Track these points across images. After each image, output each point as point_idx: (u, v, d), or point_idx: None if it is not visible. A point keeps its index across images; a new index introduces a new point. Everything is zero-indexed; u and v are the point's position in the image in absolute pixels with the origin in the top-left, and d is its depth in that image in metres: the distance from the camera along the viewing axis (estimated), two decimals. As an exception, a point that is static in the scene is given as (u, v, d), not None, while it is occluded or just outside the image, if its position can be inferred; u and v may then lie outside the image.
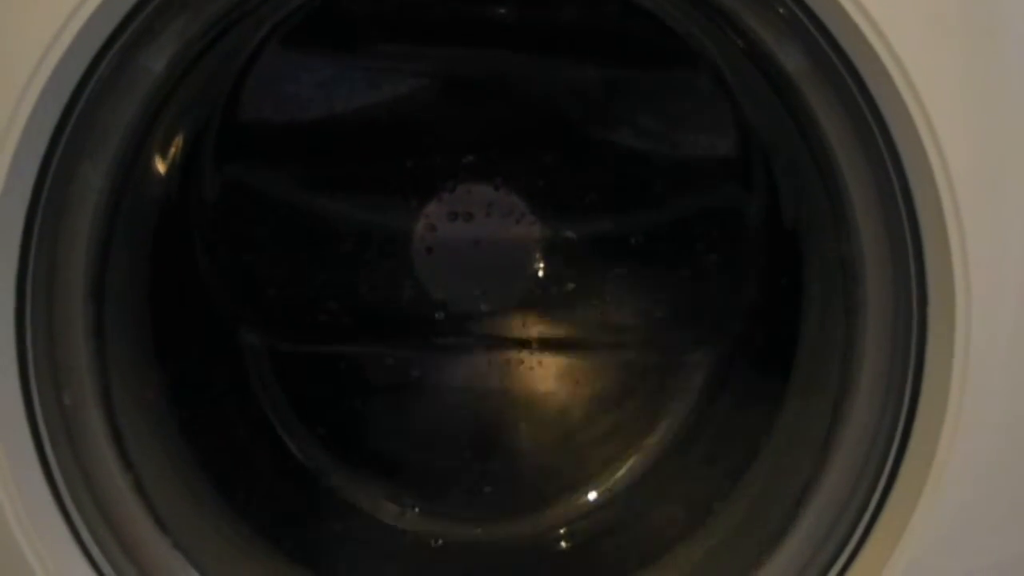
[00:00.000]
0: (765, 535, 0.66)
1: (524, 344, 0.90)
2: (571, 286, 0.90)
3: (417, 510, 0.87)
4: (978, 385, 0.58)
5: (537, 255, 0.89)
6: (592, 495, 0.88)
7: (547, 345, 0.91)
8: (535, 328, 0.90)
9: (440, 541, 0.85)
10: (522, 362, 0.91)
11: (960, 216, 0.57)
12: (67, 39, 0.55)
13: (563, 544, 0.86)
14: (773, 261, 0.83)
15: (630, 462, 0.88)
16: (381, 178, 0.89)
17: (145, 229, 0.73)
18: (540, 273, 0.90)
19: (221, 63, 0.79)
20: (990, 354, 0.58)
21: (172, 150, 0.77)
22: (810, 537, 0.64)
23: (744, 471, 0.74)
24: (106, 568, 0.63)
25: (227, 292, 0.88)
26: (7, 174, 0.56)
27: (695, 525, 0.74)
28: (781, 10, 0.59)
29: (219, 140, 0.85)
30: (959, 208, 0.57)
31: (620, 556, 0.79)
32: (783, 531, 0.65)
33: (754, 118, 0.81)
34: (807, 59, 0.60)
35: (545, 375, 0.91)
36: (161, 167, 0.75)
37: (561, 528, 0.86)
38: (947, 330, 0.58)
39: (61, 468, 0.62)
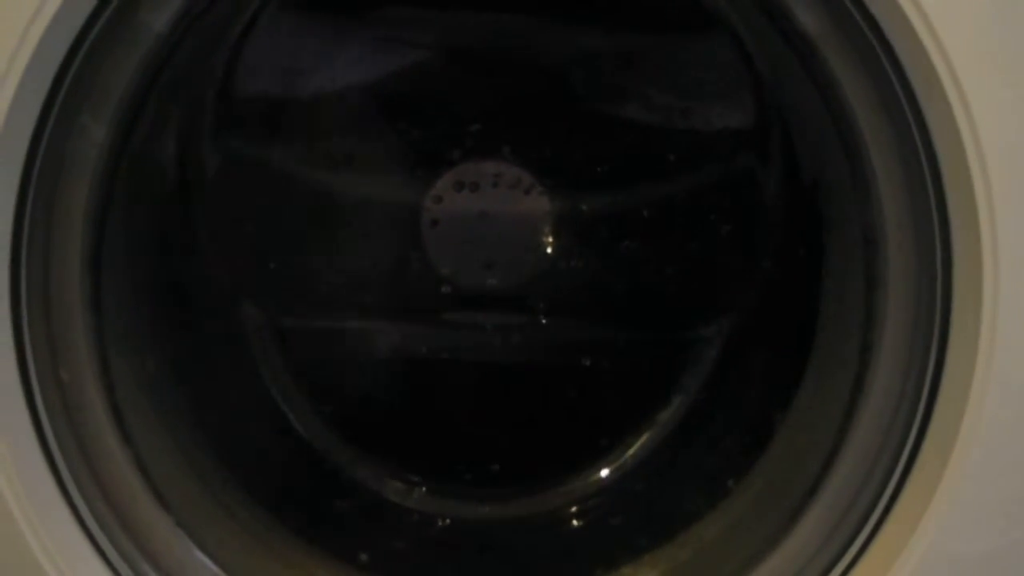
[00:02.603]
0: (781, 514, 0.65)
1: (533, 318, 0.89)
2: (581, 259, 0.88)
3: (424, 488, 0.86)
4: (1005, 357, 0.56)
5: (546, 227, 0.88)
6: (604, 472, 0.87)
7: (556, 319, 0.89)
8: (544, 302, 0.89)
9: (448, 520, 0.85)
10: (531, 337, 0.89)
11: (989, 181, 0.55)
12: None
13: (574, 522, 0.85)
14: (790, 232, 0.82)
15: (643, 438, 0.86)
16: (385, 148, 0.87)
17: (144, 198, 0.72)
18: (549, 246, 0.88)
19: (220, 27, 0.78)
20: (1018, 325, 0.56)
21: (172, 118, 0.76)
22: (828, 516, 0.63)
23: (761, 448, 0.73)
24: (106, 546, 0.62)
25: (229, 265, 0.87)
26: (2, 126, 0.55)
27: (710, 503, 0.73)
28: (799, -36, 0.57)
29: (219, 109, 0.84)
30: (988, 173, 0.55)
31: (633, 534, 0.77)
32: (800, 511, 0.64)
33: (772, 83, 0.80)
34: (827, 18, 0.58)
35: (554, 350, 0.90)
36: (161, 133, 0.74)
37: (572, 506, 0.85)
38: (973, 300, 0.56)
39: (59, 444, 0.61)
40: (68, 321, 0.62)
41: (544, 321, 0.89)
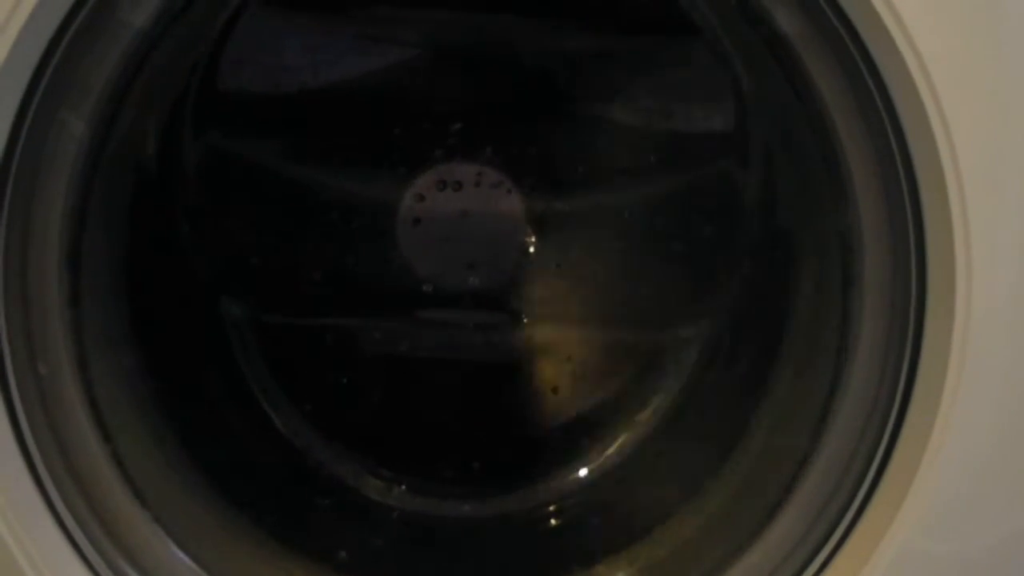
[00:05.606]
0: (757, 513, 0.65)
1: (513, 318, 0.89)
2: (561, 259, 0.88)
3: (404, 486, 0.86)
4: (977, 358, 0.57)
5: (527, 227, 0.88)
6: (582, 471, 0.87)
7: (537, 319, 0.89)
8: (524, 302, 0.89)
9: (427, 518, 0.84)
10: (511, 336, 0.89)
11: (963, 185, 0.55)
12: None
13: (553, 521, 0.85)
14: (768, 234, 0.82)
15: (621, 438, 0.87)
16: (367, 146, 0.87)
17: (124, 193, 0.72)
18: (530, 246, 0.88)
19: (202, 23, 0.77)
20: (990, 326, 0.57)
21: (153, 113, 0.75)
22: (802, 516, 0.63)
23: (736, 448, 0.73)
24: (82, 542, 0.62)
25: (209, 261, 0.87)
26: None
27: (686, 502, 0.74)
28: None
29: (199, 105, 0.84)
30: (961, 177, 0.55)
31: (610, 533, 0.78)
32: (775, 510, 0.64)
33: (751, 86, 0.80)
34: (804, 20, 0.58)
35: (534, 350, 0.90)
36: (142, 129, 0.74)
37: (551, 505, 0.85)
38: (946, 302, 0.57)
39: (36, 439, 0.61)
40: (46, 315, 0.61)
41: (525, 321, 0.89)
